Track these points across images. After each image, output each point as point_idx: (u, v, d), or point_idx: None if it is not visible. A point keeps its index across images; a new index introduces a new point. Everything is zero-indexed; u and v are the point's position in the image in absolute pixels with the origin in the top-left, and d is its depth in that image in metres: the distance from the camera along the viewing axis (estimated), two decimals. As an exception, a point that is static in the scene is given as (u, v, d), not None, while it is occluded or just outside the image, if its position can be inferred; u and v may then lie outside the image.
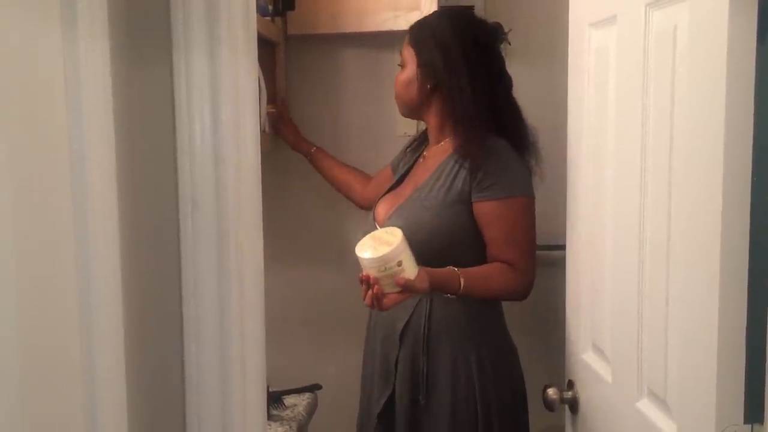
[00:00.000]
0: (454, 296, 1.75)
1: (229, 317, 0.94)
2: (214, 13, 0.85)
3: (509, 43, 1.98)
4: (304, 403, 2.03)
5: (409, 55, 1.91)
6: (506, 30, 1.97)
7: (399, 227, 1.71)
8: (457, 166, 1.81)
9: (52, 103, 0.70)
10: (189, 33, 0.85)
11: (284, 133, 2.37)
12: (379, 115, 2.50)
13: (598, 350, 1.47)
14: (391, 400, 1.87)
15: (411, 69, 1.90)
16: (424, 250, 1.74)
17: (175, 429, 0.96)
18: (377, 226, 1.90)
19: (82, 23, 0.72)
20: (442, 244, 1.78)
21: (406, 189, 1.94)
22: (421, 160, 2.00)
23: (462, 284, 1.72)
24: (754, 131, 0.95)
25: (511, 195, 1.77)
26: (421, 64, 1.88)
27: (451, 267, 1.73)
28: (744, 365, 0.99)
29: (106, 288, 0.81)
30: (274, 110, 2.35)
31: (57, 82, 0.71)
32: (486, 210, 1.77)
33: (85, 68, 0.73)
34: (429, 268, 1.68)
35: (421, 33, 1.91)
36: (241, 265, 0.95)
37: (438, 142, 1.94)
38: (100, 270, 0.79)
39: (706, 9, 1.01)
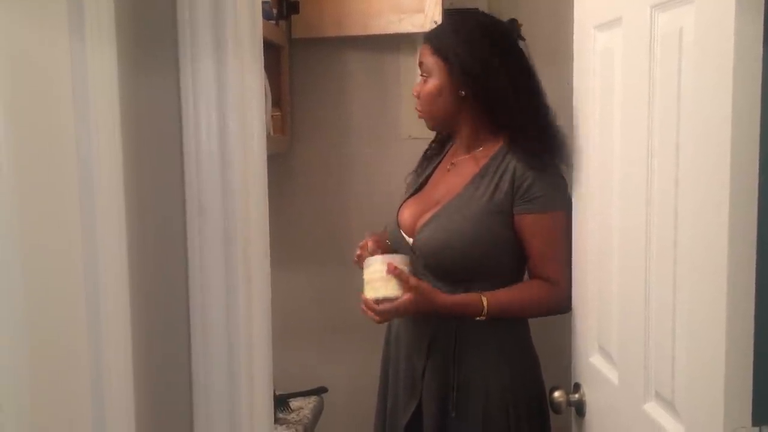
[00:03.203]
0: (483, 319, 1.72)
1: (236, 321, 0.95)
2: (221, 20, 0.85)
3: (523, 39, 1.90)
4: (310, 406, 2.03)
5: (434, 64, 1.82)
6: (519, 24, 1.90)
7: (435, 237, 1.76)
8: (497, 177, 1.77)
9: (59, 110, 0.71)
10: (195, 40, 0.86)
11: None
12: (384, 117, 2.50)
13: (605, 353, 1.47)
14: (417, 411, 1.85)
15: (439, 79, 1.82)
16: (460, 260, 1.75)
17: (183, 433, 0.97)
18: (403, 233, 1.88)
19: (89, 31, 0.72)
20: (481, 254, 1.76)
21: (434, 196, 1.89)
22: (448, 166, 1.94)
23: (485, 307, 1.71)
24: (761, 133, 0.95)
25: (554, 209, 1.73)
26: (453, 72, 1.80)
27: (475, 293, 1.73)
28: (752, 367, 0.99)
29: (113, 292, 0.81)
30: (278, 113, 2.35)
31: (65, 89, 0.71)
32: (529, 223, 1.74)
33: (93, 76, 0.73)
34: (440, 295, 1.71)
35: (446, 39, 1.82)
36: (248, 269, 0.95)
37: (469, 150, 1.88)
38: (108, 275, 0.80)
39: (713, 11, 1.01)
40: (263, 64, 0.97)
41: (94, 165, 0.75)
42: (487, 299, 1.72)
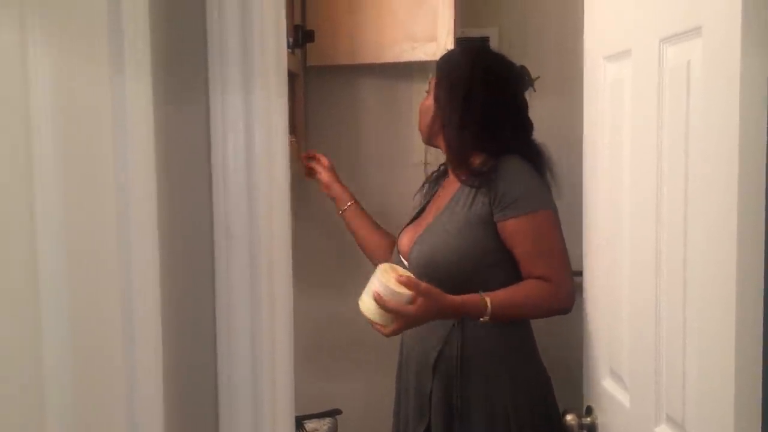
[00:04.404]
0: (487, 319, 1.73)
1: (261, 343, 0.98)
2: (249, 56, 0.90)
3: (534, 90, 1.98)
4: (325, 428, 2.05)
5: (433, 83, 1.97)
6: (534, 77, 1.97)
7: (423, 253, 1.80)
8: (474, 189, 1.83)
9: (101, 142, 0.75)
10: (225, 74, 0.90)
11: (321, 174, 2.26)
12: (397, 144, 2.54)
13: (617, 376, 1.49)
14: (428, 430, 1.87)
15: (431, 97, 1.96)
16: (453, 273, 1.78)
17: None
18: (401, 258, 1.93)
19: (128, 66, 0.76)
20: (470, 266, 1.80)
21: (427, 218, 1.96)
22: (440, 190, 2.03)
23: (489, 306, 1.72)
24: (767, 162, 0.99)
25: (532, 210, 1.78)
26: (435, 95, 1.94)
27: (476, 293, 1.74)
28: (761, 389, 1.01)
29: (145, 313, 0.85)
30: (293, 139, 2.40)
31: (106, 121, 0.75)
32: (510, 228, 1.78)
33: (131, 109, 0.77)
34: (447, 296, 1.71)
35: (443, 65, 1.96)
36: (272, 292, 0.99)
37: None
38: (141, 295, 0.83)
39: (720, 44, 1.04)
40: (287, 97, 1.02)
41: (131, 191, 0.79)
42: (489, 299, 1.73)
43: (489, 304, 1.72)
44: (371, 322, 1.70)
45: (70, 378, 0.69)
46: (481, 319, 1.74)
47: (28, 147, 0.62)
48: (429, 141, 2.03)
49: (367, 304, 1.68)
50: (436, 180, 2.11)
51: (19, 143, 0.62)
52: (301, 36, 2.45)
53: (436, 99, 1.93)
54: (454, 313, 1.76)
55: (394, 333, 1.71)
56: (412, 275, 1.71)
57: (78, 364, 0.70)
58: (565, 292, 1.78)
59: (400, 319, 1.67)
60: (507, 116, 1.91)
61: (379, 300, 1.65)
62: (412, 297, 1.66)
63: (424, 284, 1.68)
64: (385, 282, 1.65)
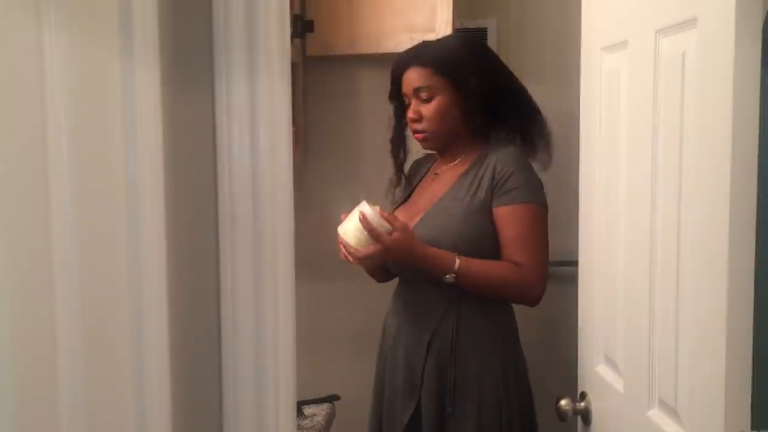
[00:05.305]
0: (451, 279, 1.80)
1: (265, 327, 1.01)
2: (254, 44, 0.92)
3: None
4: (323, 413, 2.07)
5: (438, 83, 1.92)
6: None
7: (426, 236, 1.85)
8: (478, 177, 1.88)
9: (113, 127, 0.77)
10: (230, 61, 0.92)
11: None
12: (395, 133, 2.55)
13: (611, 362, 1.52)
14: (416, 410, 1.91)
15: (446, 97, 1.92)
16: None
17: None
18: None
19: (137, 54, 0.78)
20: (469, 250, 1.84)
21: (420, 204, 2.00)
22: (431, 176, 2.06)
23: (457, 264, 1.79)
24: (760, 153, 1.01)
25: (528, 201, 1.84)
26: (461, 87, 1.92)
27: (451, 252, 1.82)
28: (750, 375, 1.03)
29: (153, 298, 0.87)
30: (294, 129, 2.42)
31: (116, 107, 0.77)
32: (503, 213, 1.85)
33: (140, 95, 0.79)
34: (420, 242, 1.80)
35: (449, 59, 1.94)
36: (275, 277, 1.01)
37: (454, 159, 2.00)
38: (149, 277, 0.85)
39: (714, 36, 1.06)
40: (291, 85, 1.04)
41: (139, 176, 0.81)
42: (460, 260, 1.80)
43: (458, 264, 1.79)
44: (345, 246, 1.80)
45: (83, 360, 0.71)
46: (446, 276, 1.80)
47: (43, 134, 0.64)
48: (446, 142, 1.99)
49: (345, 227, 1.80)
50: (417, 167, 2.16)
51: (36, 132, 0.63)
52: (300, 26, 2.46)
53: (480, 84, 1.92)
54: (421, 261, 1.82)
55: (365, 257, 1.78)
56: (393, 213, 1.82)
57: (89, 342, 0.72)
58: (534, 282, 1.85)
59: (373, 245, 1.75)
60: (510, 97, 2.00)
61: (363, 220, 1.74)
62: (390, 231, 1.76)
63: (401, 221, 1.79)
64: (371, 210, 1.76)
